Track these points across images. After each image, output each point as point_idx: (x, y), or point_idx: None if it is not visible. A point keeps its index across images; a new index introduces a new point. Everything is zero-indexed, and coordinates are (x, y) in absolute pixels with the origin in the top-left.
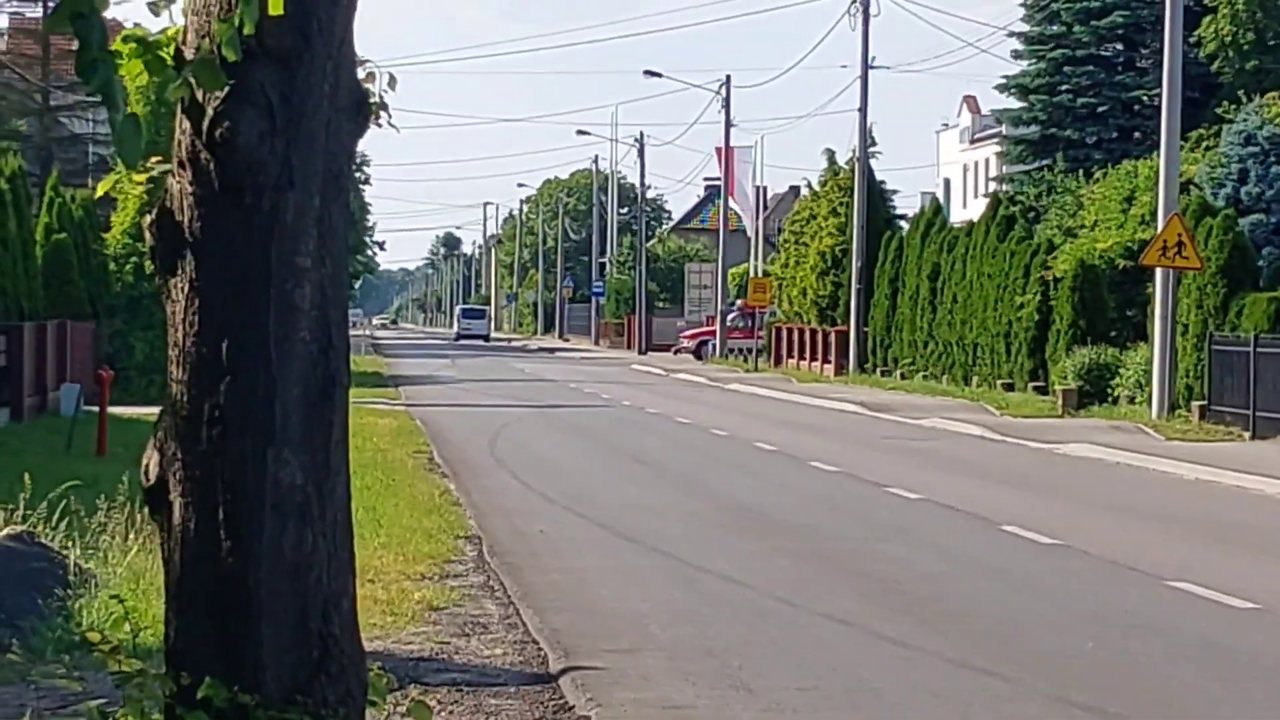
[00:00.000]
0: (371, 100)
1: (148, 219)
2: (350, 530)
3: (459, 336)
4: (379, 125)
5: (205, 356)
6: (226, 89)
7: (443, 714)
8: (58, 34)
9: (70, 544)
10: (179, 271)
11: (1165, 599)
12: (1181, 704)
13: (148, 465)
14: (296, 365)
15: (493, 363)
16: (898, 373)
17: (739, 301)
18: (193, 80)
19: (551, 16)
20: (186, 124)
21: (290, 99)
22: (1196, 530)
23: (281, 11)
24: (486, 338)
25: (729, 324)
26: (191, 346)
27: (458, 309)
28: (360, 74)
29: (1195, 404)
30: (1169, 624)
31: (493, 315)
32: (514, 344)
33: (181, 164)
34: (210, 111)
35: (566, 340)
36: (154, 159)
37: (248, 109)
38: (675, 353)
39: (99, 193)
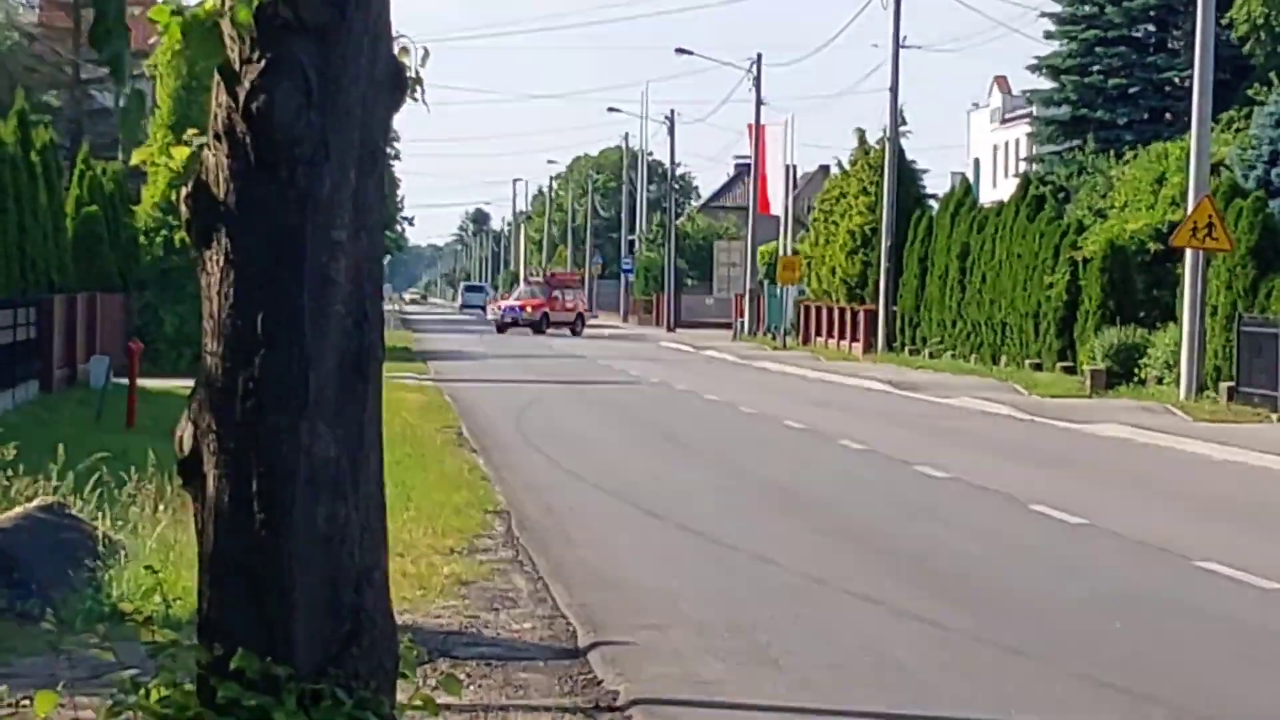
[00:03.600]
0: (407, 75)
1: (183, 192)
2: (383, 504)
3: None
4: (414, 100)
5: (240, 329)
6: (263, 62)
7: (472, 687)
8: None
9: (100, 515)
10: (214, 244)
11: (1194, 579)
12: (1210, 683)
13: (181, 437)
14: (331, 339)
15: (521, 338)
16: (926, 352)
17: (543, 269)
18: (185, 44)
19: None
20: (223, 97)
21: (327, 73)
22: (1225, 511)
23: None
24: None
25: (521, 296)
26: (226, 319)
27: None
28: (395, 49)
29: (1224, 385)
30: (1197, 604)
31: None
32: None
33: (218, 136)
34: (247, 84)
35: (595, 316)
36: (190, 131)
37: (284, 82)
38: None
39: (134, 161)
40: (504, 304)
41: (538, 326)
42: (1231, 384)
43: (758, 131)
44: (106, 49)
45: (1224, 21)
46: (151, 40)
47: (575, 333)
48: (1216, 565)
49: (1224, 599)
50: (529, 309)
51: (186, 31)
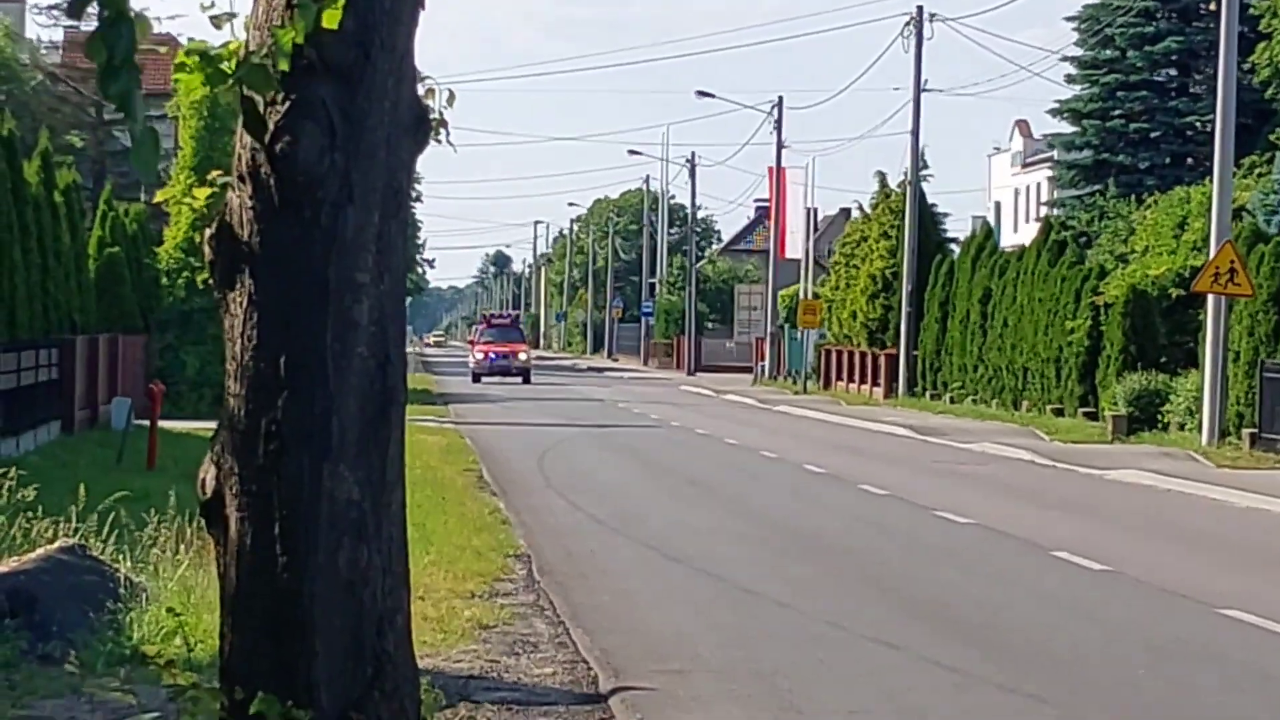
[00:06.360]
0: (431, 117)
1: (207, 233)
2: (405, 547)
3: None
4: (438, 142)
5: (263, 371)
6: (288, 104)
7: None
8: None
9: (121, 557)
10: (237, 285)
11: (1216, 627)
12: None
13: (204, 479)
14: (354, 381)
15: (541, 382)
16: (947, 396)
17: (488, 313)
18: (245, 87)
19: (601, 36)
20: (247, 138)
21: (351, 115)
22: (1248, 558)
23: (338, 26)
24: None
25: (492, 339)
26: (249, 361)
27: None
28: (420, 90)
29: (1246, 431)
30: (1220, 652)
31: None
32: (563, 363)
33: (241, 178)
34: (271, 126)
35: (615, 360)
36: (214, 172)
37: (308, 124)
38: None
39: (157, 199)
40: (488, 349)
41: (527, 375)
42: (1254, 430)
43: (778, 175)
44: (114, 87)
45: (1246, 66)
46: (173, 81)
47: (527, 380)
48: (1239, 612)
49: (1247, 646)
50: (520, 355)
51: (211, 76)
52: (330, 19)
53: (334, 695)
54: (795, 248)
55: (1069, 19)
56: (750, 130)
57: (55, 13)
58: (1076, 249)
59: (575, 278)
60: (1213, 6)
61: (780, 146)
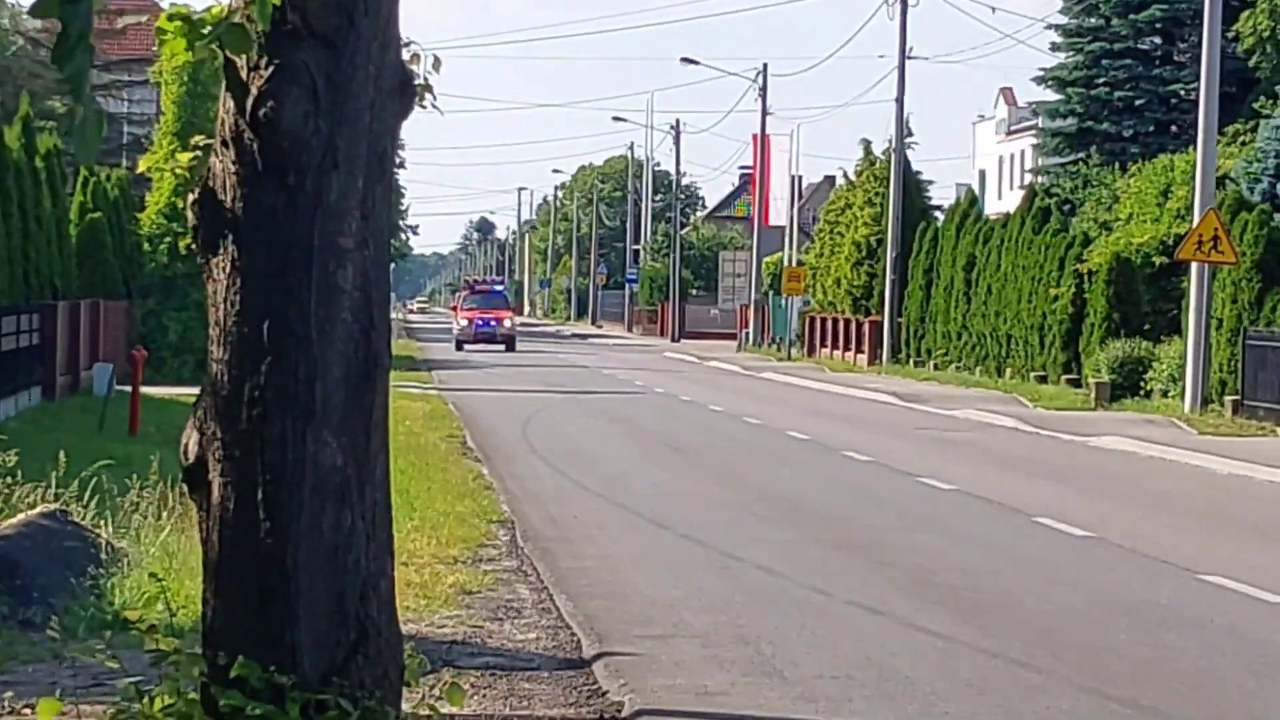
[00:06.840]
0: (416, 82)
1: (190, 198)
2: (389, 512)
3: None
4: (423, 107)
5: (246, 336)
6: (271, 69)
7: (476, 697)
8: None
9: (103, 523)
10: (221, 251)
11: (1198, 592)
12: (1215, 697)
13: (187, 444)
14: (338, 346)
15: (526, 348)
16: (931, 363)
17: (471, 279)
18: (225, 49)
19: (587, 3)
20: (230, 103)
21: (335, 80)
22: (1229, 524)
23: None
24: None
25: (475, 304)
26: (233, 326)
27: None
28: (405, 55)
29: (1229, 399)
30: (1202, 617)
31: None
32: (547, 330)
33: (225, 143)
34: (254, 91)
35: (600, 327)
36: (197, 137)
37: (292, 89)
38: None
39: (141, 168)
40: (474, 316)
41: (511, 343)
42: (1236, 397)
43: (762, 142)
44: (68, 65)
45: (1230, 34)
46: (155, 47)
47: (511, 348)
48: (1221, 578)
49: (1229, 612)
50: (505, 322)
51: (192, 39)
52: None
53: (316, 660)
54: (780, 215)
55: None
56: (735, 97)
57: None
58: (1060, 216)
59: (559, 244)
60: None
61: (765, 113)
